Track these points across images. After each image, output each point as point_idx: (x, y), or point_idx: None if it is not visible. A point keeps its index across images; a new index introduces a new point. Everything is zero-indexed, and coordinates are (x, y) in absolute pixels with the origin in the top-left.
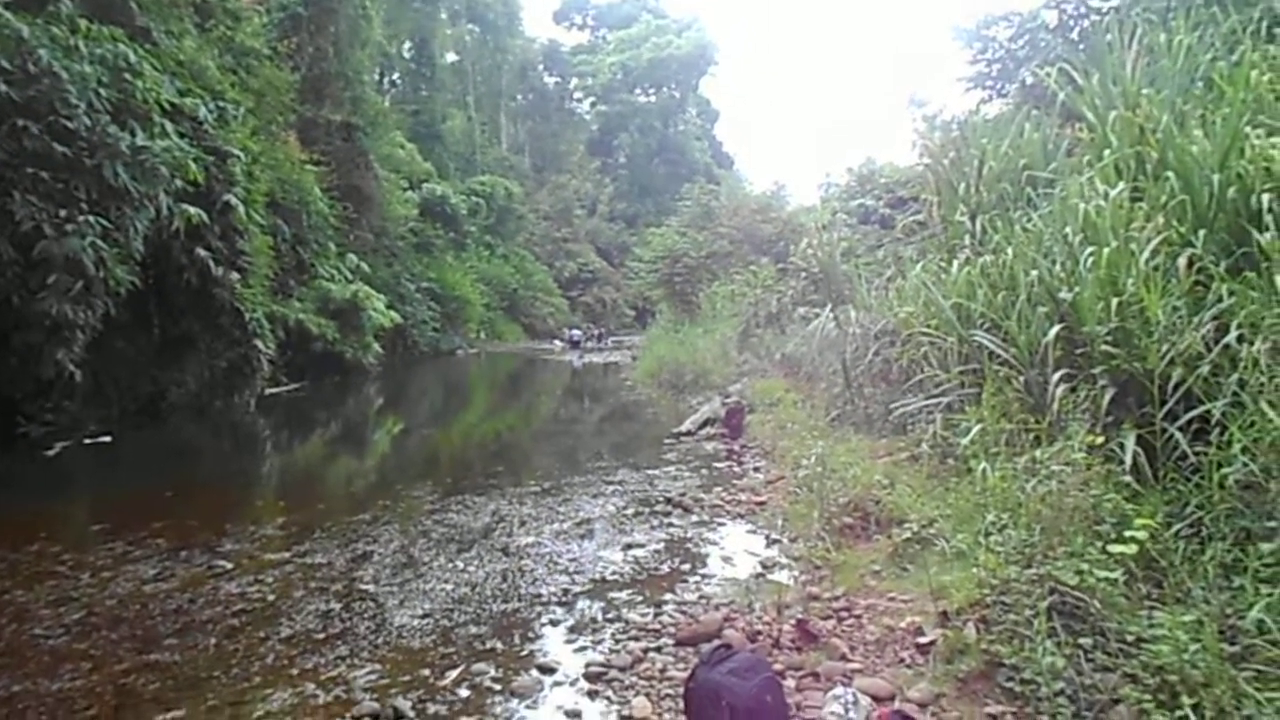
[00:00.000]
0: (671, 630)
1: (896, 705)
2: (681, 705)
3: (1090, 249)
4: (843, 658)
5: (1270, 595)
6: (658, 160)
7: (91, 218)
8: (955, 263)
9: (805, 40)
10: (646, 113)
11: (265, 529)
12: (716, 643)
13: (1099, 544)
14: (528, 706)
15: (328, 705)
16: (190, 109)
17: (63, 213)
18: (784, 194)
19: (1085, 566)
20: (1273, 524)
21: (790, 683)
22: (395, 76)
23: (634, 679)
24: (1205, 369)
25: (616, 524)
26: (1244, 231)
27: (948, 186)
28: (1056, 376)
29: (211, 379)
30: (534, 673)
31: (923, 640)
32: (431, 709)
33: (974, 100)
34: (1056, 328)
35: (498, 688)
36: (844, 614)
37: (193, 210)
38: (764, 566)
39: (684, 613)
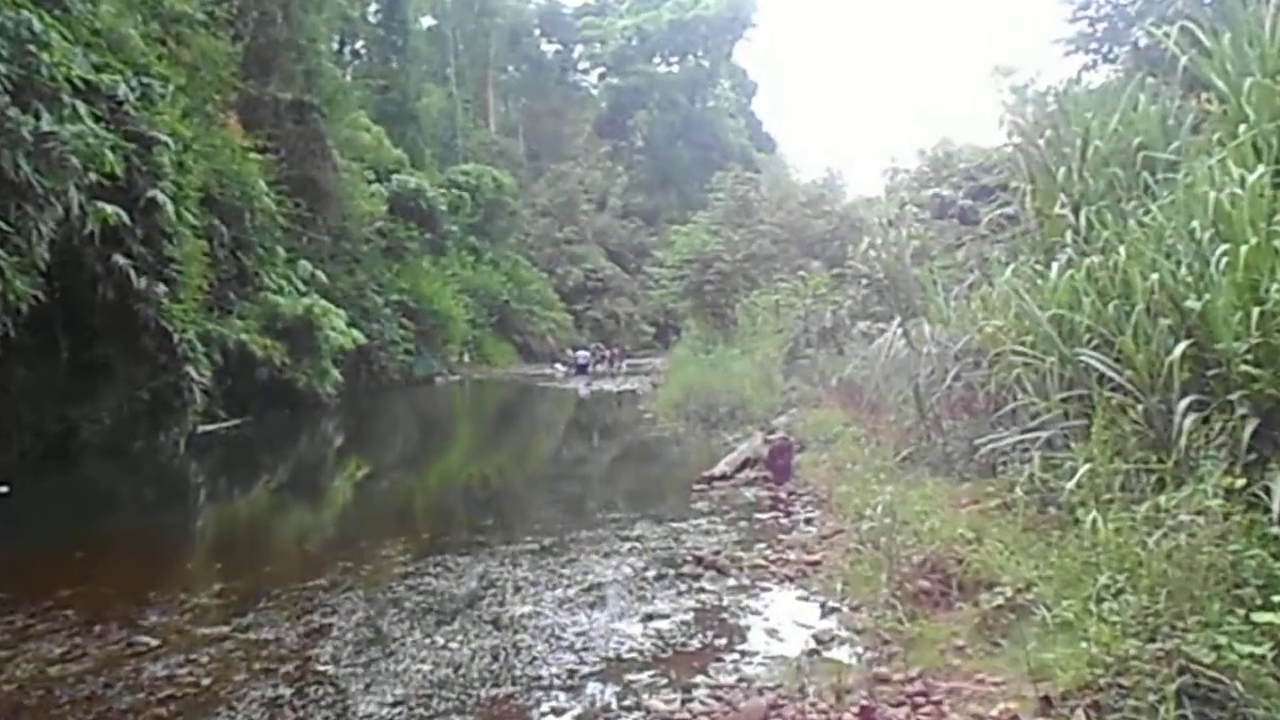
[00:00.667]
0: None
1: None
2: None
3: (1224, 246)
4: None
5: None
6: (682, 143)
7: None
8: (1054, 265)
9: None
10: (668, 86)
11: (199, 597)
12: None
13: (1241, 612)
14: None
15: None
16: (108, 87)
17: None
18: (839, 183)
19: (1223, 640)
20: None
21: None
22: (359, 45)
23: None
24: None
25: (634, 589)
26: None
27: (1043, 172)
28: (1184, 405)
29: (132, 414)
30: None
31: None
32: None
33: (1074, 66)
34: (1183, 345)
35: None
36: (920, 700)
37: (110, 209)
38: (819, 641)
39: (719, 699)
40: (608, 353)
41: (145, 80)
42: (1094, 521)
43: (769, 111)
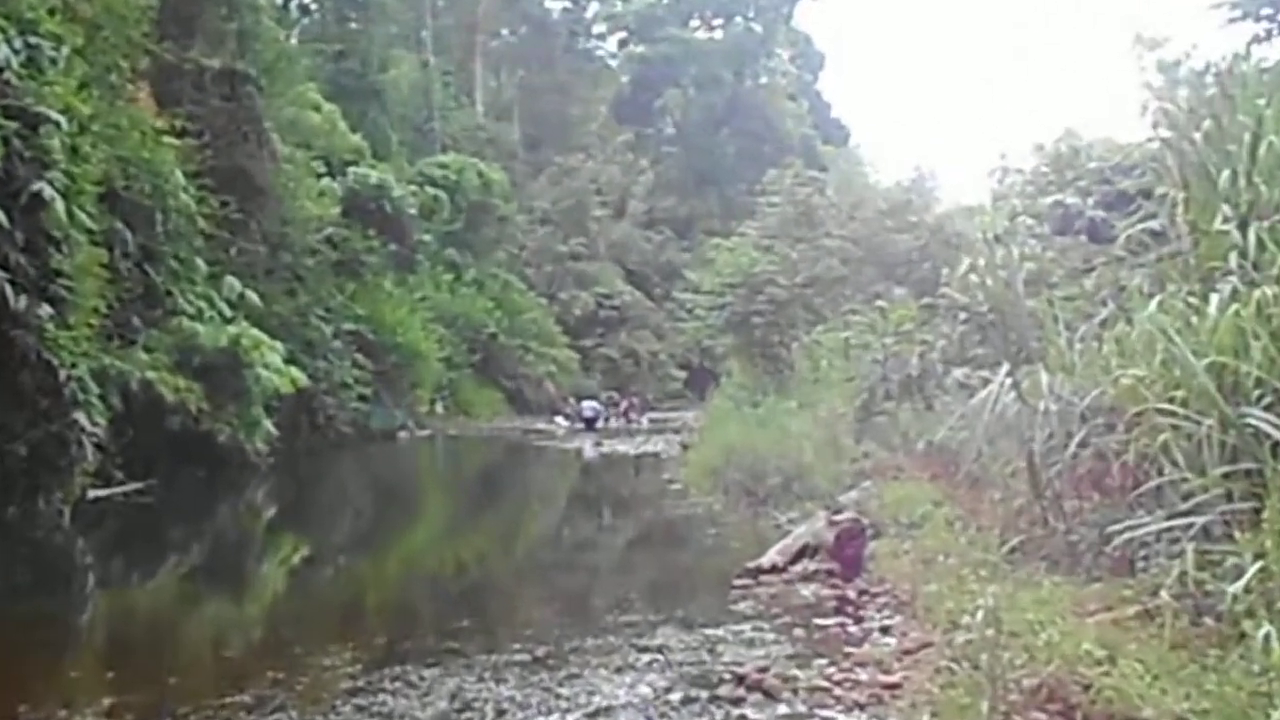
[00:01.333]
0: None
1: None
2: None
3: None
4: None
5: None
6: (726, 131)
7: None
8: (1214, 297)
9: None
10: (708, 56)
11: (83, 717)
12: None
13: None
14: None
15: None
16: None
17: None
18: (930, 186)
19: None
20: None
21: None
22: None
23: None
24: None
25: (655, 717)
26: None
27: (1200, 175)
28: None
29: (3, 473)
30: None
31: None
32: None
33: (1240, 39)
34: None
35: None
36: None
37: None
38: None
39: None
40: (624, 403)
41: (32, 41)
42: (1266, 638)
43: (839, 92)
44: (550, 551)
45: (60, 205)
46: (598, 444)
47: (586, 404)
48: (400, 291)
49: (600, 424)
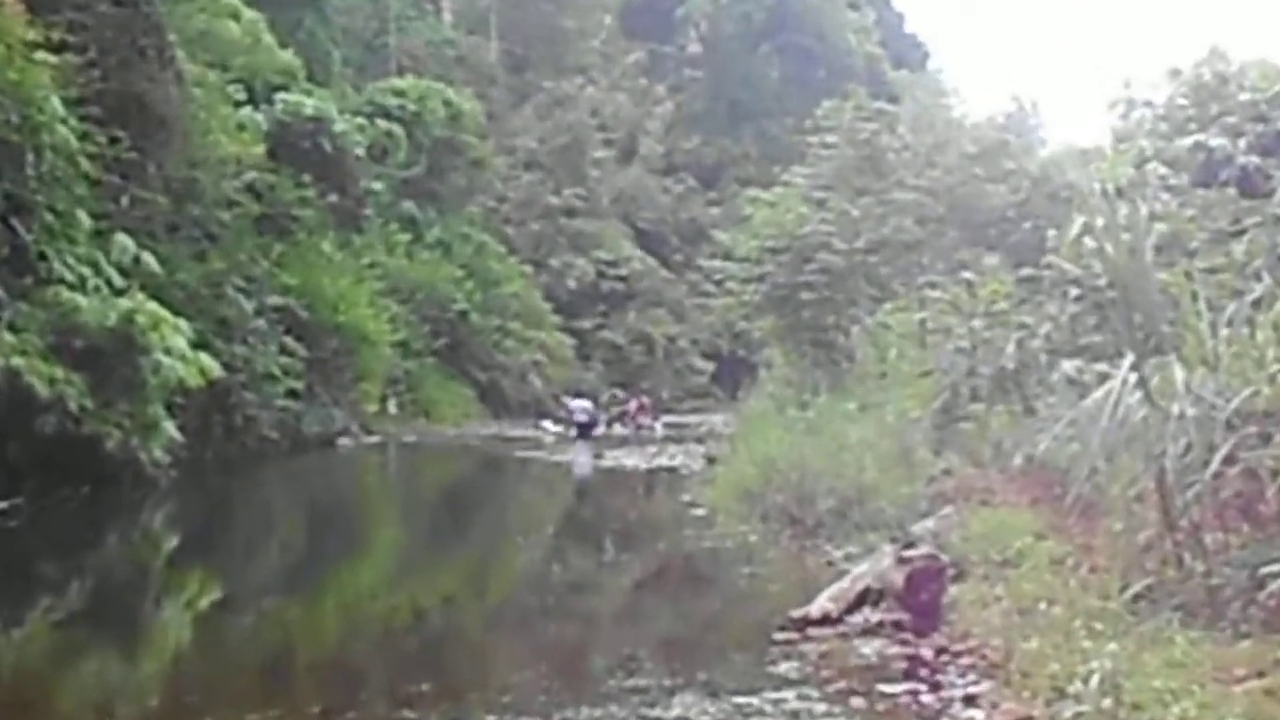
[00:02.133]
0: None
1: None
2: None
3: None
4: None
5: None
6: (768, 49)
7: None
8: None
9: None
10: None
11: None
12: None
13: None
14: None
15: None
16: None
17: None
18: (1033, 123)
19: None
20: None
21: None
22: None
23: None
24: None
25: None
26: None
27: None
28: None
29: None
30: None
31: None
32: None
33: None
34: None
35: None
36: None
37: None
38: None
39: None
40: (632, 403)
41: None
42: None
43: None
44: (535, 594)
45: None
46: (597, 456)
47: (579, 404)
48: (343, 256)
49: (599, 430)
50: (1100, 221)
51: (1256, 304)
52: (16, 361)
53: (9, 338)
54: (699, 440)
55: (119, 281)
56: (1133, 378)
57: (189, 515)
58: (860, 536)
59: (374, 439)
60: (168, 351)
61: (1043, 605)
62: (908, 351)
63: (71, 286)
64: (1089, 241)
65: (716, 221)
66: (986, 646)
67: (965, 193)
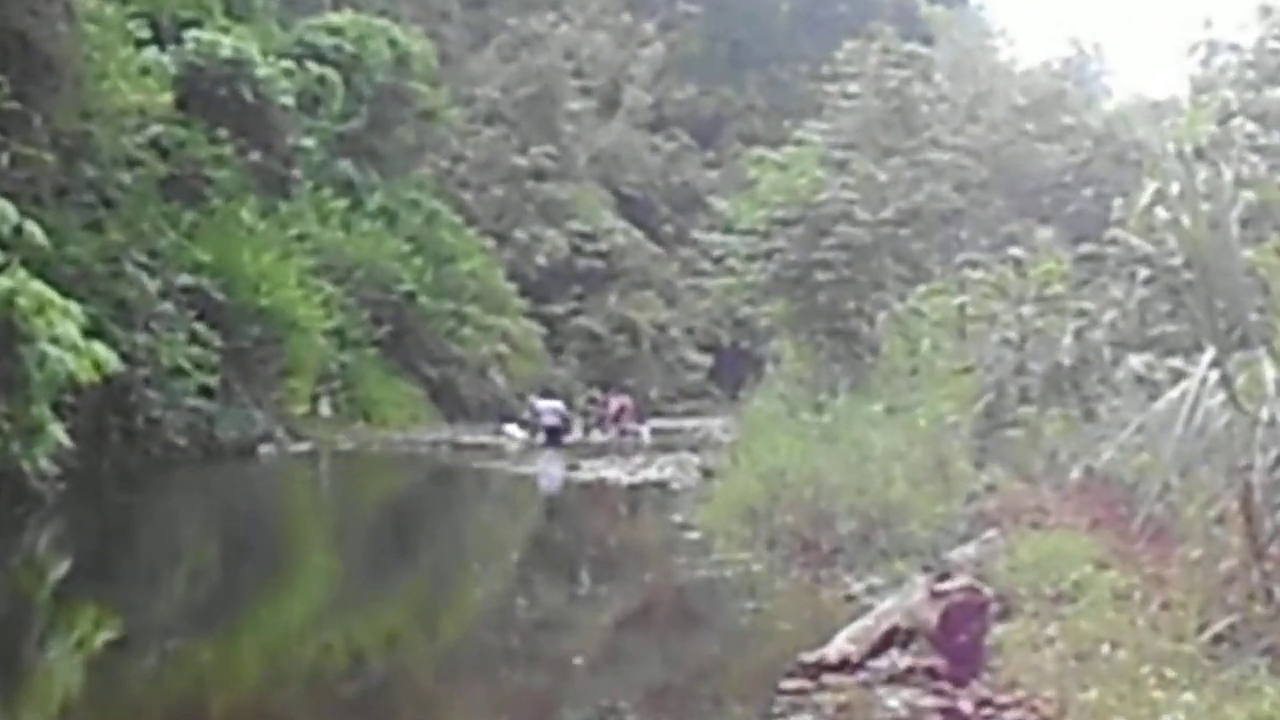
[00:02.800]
0: None
1: None
2: None
3: None
4: None
5: None
6: None
7: None
8: None
9: None
10: None
11: None
12: None
13: None
14: None
15: None
16: None
17: None
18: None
19: None
20: None
21: None
22: None
23: None
24: None
25: None
26: None
27: None
28: None
29: None
30: None
31: None
32: None
33: None
34: None
35: None
36: None
37: None
38: None
39: None
40: (613, 404)
41: None
42: None
43: None
44: (495, 634)
45: None
46: (571, 467)
47: (550, 405)
48: (266, 226)
49: (573, 436)
50: (1175, 188)
51: None
52: None
53: None
54: (693, 449)
55: None
56: (1214, 376)
57: (80, 537)
58: (886, 565)
59: (303, 446)
60: (55, 340)
61: (1105, 648)
62: (944, 343)
63: None
64: (1162, 212)
65: (715, 186)
66: (1037, 698)
67: (1014, 153)
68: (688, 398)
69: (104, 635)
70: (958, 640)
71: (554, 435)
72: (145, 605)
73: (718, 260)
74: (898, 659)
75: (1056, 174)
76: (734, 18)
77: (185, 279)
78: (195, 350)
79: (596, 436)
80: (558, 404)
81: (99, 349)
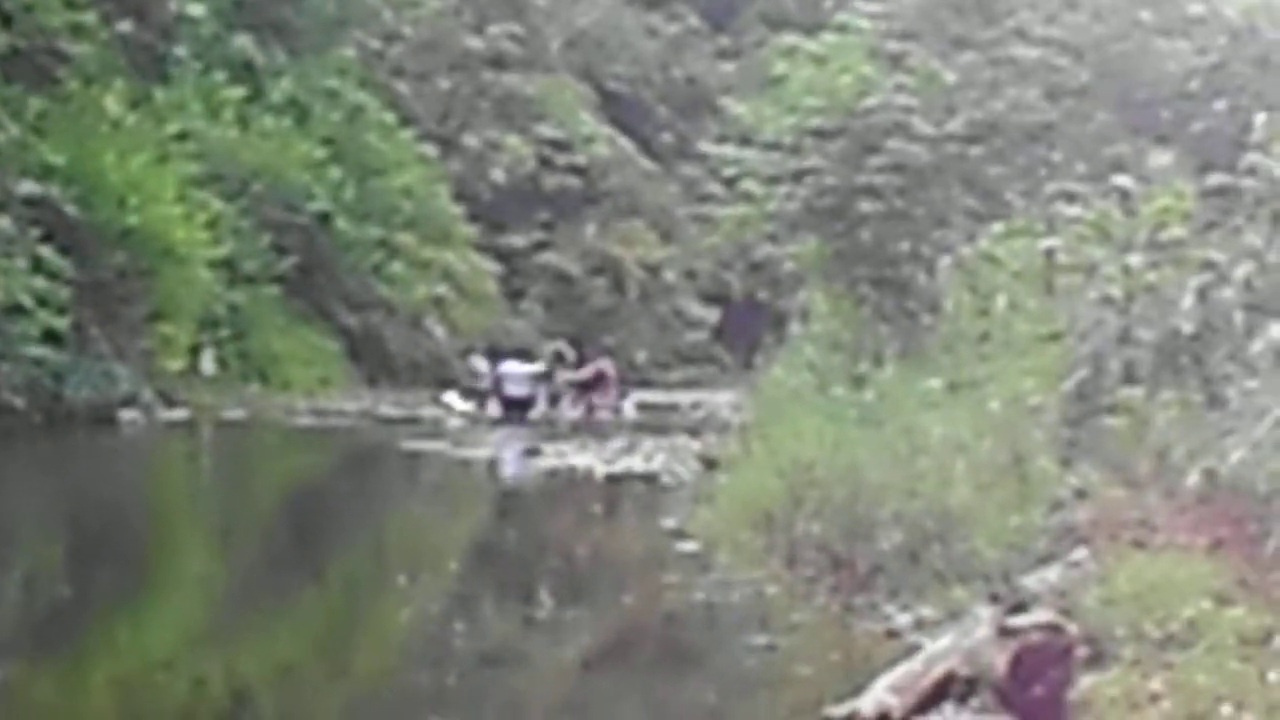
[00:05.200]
0: None
1: None
2: None
3: None
4: None
5: None
6: None
7: None
8: None
9: None
10: None
11: None
12: None
13: None
14: None
15: None
16: None
17: None
18: None
19: None
20: None
21: None
22: None
23: None
24: None
25: None
26: None
27: None
28: None
29: None
30: None
31: None
32: None
33: None
34: None
35: None
36: None
37: None
38: None
39: None
40: (589, 370)
41: None
42: None
43: None
44: (426, 670)
45: None
46: (531, 451)
47: (510, 369)
48: (138, 120)
49: (537, 409)
50: None
51: None
52: None
53: None
54: (691, 432)
55: None
56: None
57: None
58: (941, 592)
59: (178, 414)
60: None
61: (1226, 709)
62: (1025, 301)
63: None
64: None
65: (730, 83)
66: None
67: (1124, 51)
68: (686, 363)
69: None
70: (1032, 693)
71: (516, 407)
72: None
73: (730, 182)
74: (954, 716)
75: (1179, 80)
76: None
77: (28, 187)
78: (39, 283)
79: (564, 412)
80: (530, 367)
81: None
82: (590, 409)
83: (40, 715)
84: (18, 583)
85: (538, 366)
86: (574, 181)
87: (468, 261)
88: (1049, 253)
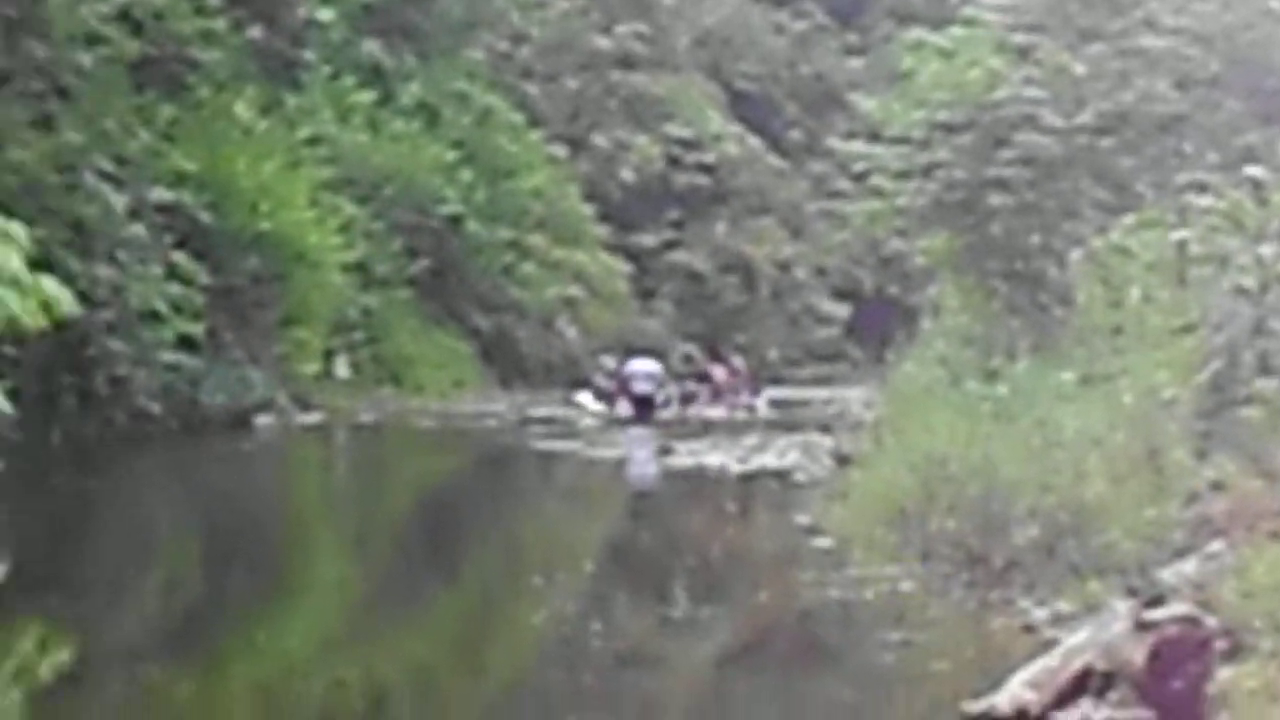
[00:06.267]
0: None
1: None
2: None
3: None
4: None
5: None
6: None
7: None
8: None
9: None
10: None
11: None
12: None
13: None
14: None
15: None
16: None
17: None
18: None
19: None
20: None
21: None
22: None
23: None
24: None
25: None
26: None
27: None
28: None
29: None
30: None
31: None
32: None
33: None
34: None
35: None
36: None
37: None
38: None
39: None
40: (720, 370)
41: None
42: None
43: None
44: (562, 671)
45: None
46: (664, 451)
47: (639, 367)
48: (269, 126)
49: (668, 410)
50: None
51: None
52: None
53: None
54: (824, 428)
55: None
56: None
57: (21, 531)
58: (1077, 586)
59: (312, 418)
60: None
61: None
62: (1158, 293)
63: None
64: None
65: (858, 79)
66: None
67: (1255, 39)
68: (817, 360)
69: (49, 660)
70: (1171, 687)
71: (645, 407)
72: (104, 624)
73: (860, 178)
74: (1092, 711)
75: None
76: None
77: (162, 194)
78: (174, 289)
79: (697, 410)
80: (652, 366)
81: (49, 285)
82: (725, 407)
83: (179, 712)
84: (158, 587)
85: (654, 367)
86: (703, 180)
87: (598, 262)
88: (1181, 244)
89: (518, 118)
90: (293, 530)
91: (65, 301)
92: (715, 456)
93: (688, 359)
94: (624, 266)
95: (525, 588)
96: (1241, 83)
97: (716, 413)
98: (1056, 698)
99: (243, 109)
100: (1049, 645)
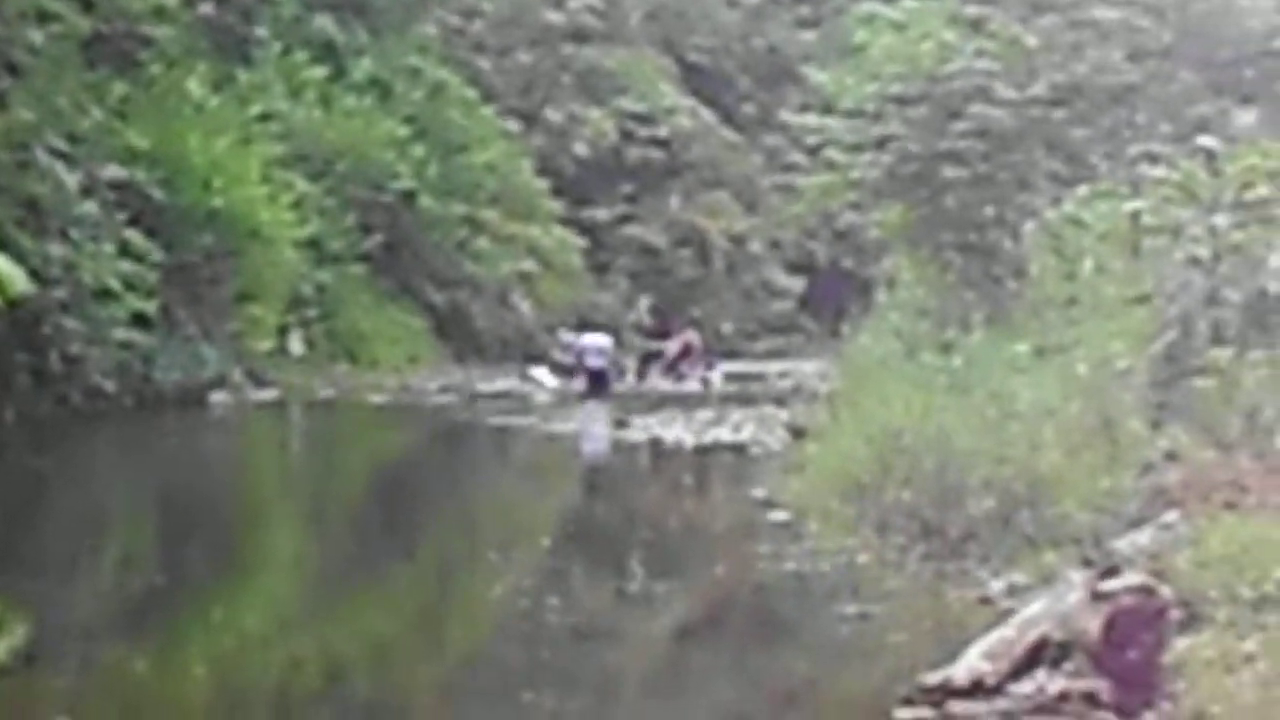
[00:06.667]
0: None
1: None
2: None
3: None
4: None
5: None
6: None
7: None
8: None
9: None
10: None
11: None
12: None
13: None
14: None
15: None
16: None
17: None
18: None
19: None
20: None
21: None
22: None
23: None
24: None
25: None
26: None
27: None
28: None
29: None
30: None
31: None
32: None
33: None
34: None
35: None
36: None
37: None
38: None
39: None
40: (675, 344)
41: None
42: None
43: None
44: (519, 646)
45: None
46: (618, 424)
47: (593, 341)
48: (221, 102)
49: (622, 383)
50: None
51: None
52: None
53: None
54: (779, 401)
55: None
56: None
57: None
58: (1033, 557)
59: (268, 394)
60: None
61: None
62: (1111, 264)
63: None
64: None
65: (811, 52)
66: None
67: (1206, 10)
68: (772, 333)
69: (7, 642)
70: (1127, 657)
71: (599, 382)
72: (59, 602)
73: (813, 151)
74: (1047, 681)
75: (1262, 38)
76: None
77: (114, 171)
78: (127, 266)
79: (652, 384)
80: (605, 340)
81: (1, 264)
82: (676, 379)
83: (138, 695)
84: (114, 564)
85: (605, 339)
86: (657, 154)
87: (552, 236)
88: (1134, 215)
89: (470, 93)
90: (248, 506)
91: (18, 280)
92: (671, 430)
93: (646, 335)
94: (578, 241)
95: (481, 563)
96: (1194, 54)
97: (671, 386)
98: (1012, 668)
99: (195, 86)
100: (1005, 616)
